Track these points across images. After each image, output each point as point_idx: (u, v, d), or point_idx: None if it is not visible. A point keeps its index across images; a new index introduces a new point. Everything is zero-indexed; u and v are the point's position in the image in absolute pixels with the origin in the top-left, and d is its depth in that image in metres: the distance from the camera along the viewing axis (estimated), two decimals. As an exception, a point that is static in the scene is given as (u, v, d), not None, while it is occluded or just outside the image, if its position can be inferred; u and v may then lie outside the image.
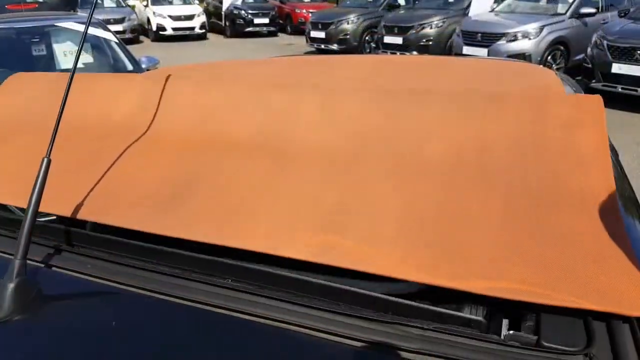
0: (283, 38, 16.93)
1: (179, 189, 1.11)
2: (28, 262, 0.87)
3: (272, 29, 17.25)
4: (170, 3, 16.90)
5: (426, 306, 0.83)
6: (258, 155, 1.18)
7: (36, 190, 0.91)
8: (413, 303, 0.84)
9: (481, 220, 0.90)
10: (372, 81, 1.54)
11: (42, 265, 0.99)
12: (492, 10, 10.38)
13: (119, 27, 14.60)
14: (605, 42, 7.61)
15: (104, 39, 5.19)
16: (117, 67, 4.98)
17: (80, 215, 1.08)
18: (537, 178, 0.97)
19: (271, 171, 1.12)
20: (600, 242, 0.83)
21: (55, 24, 5.01)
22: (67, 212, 1.09)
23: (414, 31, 11.00)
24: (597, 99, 1.10)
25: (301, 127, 1.23)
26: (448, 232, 0.89)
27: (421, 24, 11.03)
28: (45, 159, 0.95)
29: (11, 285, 0.83)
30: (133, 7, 17.45)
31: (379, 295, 0.86)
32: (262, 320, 0.82)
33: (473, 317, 0.81)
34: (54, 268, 0.99)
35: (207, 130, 1.30)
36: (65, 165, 1.19)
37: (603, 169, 0.96)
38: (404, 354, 0.74)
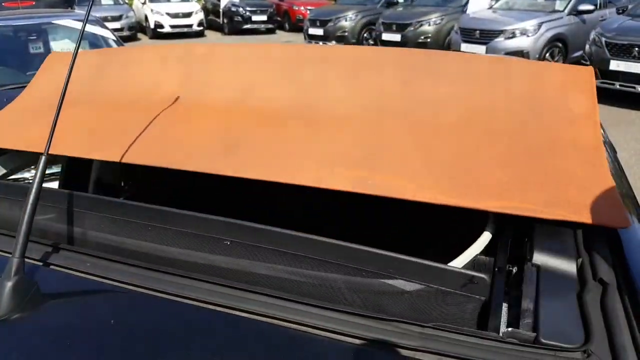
0: (281, 35, 16.90)
1: (230, 142, 1.28)
2: (26, 260, 0.87)
3: (270, 26, 17.22)
4: (168, 0, 16.85)
5: (429, 263, 0.85)
6: (293, 122, 1.34)
7: (34, 188, 0.91)
8: (416, 260, 0.85)
9: (490, 162, 1.08)
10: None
11: (40, 264, 0.98)
12: (490, 7, 10.38)
13: (116, 25, 14.56)
14: (603, 39, 7.61)
15: (102, 36, 5.17)
16: (114, 65, 4.95)
17: (142, 161, 1.26)
18: (536, 132, 1.15)
19: (307, 132, 1.29)
20: (589, 177, 1.02)
21: (52, 22, 4.99)
22: (124, 158, 1.27)
23: (412, 28, 10.99)
24: (590, 69, 1.26)
25: (329, 99, 1.38)
26: (463, 170, 1.07)
27: (419, 21, 11.01)
28: (43, 156, 0.94)
29: (9, 284, 0.83)
30: (131, 4, 17.41)
31: (378, 251, 0.87)
32: (260, 318, 0.82)
33: (475, 274, 0.83)
34: (52, 266, 0.99)
35: (246, 102, 1.46)
36: (122, 126, 1.40)
37: (593, 124, 1.14)
38: (404, 352, 0.74)
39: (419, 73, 1.37)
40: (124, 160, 1.26)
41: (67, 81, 1.00)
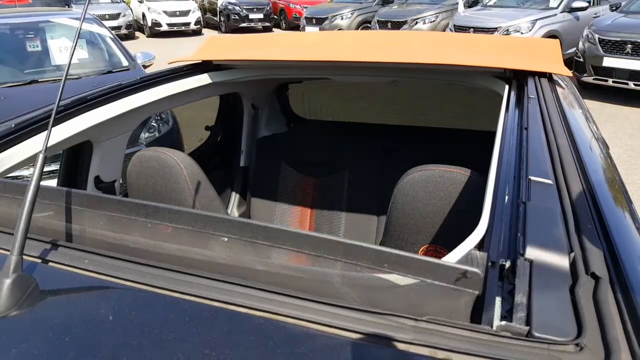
0: (278, 33, 16.85)
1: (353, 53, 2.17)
2: (24, 257, 0.87)
3: (266, 24, 17.21)
4: (165, -1, 16.83)
5: (423, 258, 0.86)
6: (383, 48, 2.26)
7: (32, 185, 0.91)
8: (410, 254, 0.87)
9: (500, 57, 1.96)
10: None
11: (39, 261, 0.99)
12: (485, 5, 10.38)
13: (114, 23, 14.53)
14: (596, 36, 7.63)
15: (99, 34, 5.17)
16: (112, 63, 4.96)
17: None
18: (524, 52, 2.08)
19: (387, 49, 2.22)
20: (549, 58, 2.01)
21: (50, 20, 4.98)
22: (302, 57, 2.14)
23: (407, 26, 10.98)
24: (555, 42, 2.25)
25: (398, 39, 2.40)
26: (486, 57, 1.96)
27: (414, 19, 11.02)
28: (41, 155, 0.95)
29: (7, 281, 0.83)
30: (128, 2, 17.35)
31: (372, 246, 0.88)
32: (256, 313, 0.83)
33: (469, 268, 0.84)
34: (50, 263, 0.99)
35: (351, 41, 2.40)
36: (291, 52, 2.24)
37: (558, 57, 2.06)
38: (398, 345, 0.75)
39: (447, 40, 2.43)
40: (304, 58, 2.10)
41: (62, 91, 1.01)
